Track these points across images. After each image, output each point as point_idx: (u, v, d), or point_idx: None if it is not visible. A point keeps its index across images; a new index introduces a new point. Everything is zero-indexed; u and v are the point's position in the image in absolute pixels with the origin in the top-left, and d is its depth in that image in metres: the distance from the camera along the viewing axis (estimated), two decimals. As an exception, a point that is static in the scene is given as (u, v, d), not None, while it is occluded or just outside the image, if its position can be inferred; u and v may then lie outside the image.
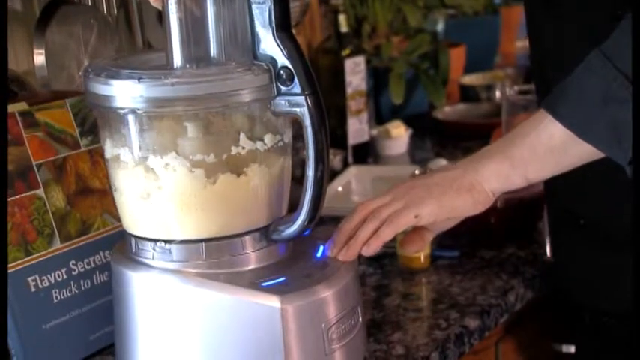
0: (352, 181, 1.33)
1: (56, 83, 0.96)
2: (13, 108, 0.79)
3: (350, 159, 1.39)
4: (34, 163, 0.78)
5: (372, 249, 0.70)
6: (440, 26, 1.86)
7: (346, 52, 1.39)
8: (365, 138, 1.42)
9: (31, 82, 0.94)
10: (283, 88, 0.68)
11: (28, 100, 0.81)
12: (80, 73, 1.01)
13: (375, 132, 1.46)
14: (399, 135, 1.45)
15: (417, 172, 1.16)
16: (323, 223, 0.89)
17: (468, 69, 1.74)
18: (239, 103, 0.68)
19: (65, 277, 0.79)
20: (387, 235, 0.70)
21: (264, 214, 0.71)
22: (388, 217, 0.70)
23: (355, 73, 1.40)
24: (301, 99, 0.68)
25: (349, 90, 1.39)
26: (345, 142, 1.38)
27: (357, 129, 1.41)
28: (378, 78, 1.55)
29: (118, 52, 1.01)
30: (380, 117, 1.57)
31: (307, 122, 0.69)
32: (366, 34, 1.57)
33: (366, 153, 1.42)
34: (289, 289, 0.68)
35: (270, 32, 0.68)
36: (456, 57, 1.69)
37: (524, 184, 0.69)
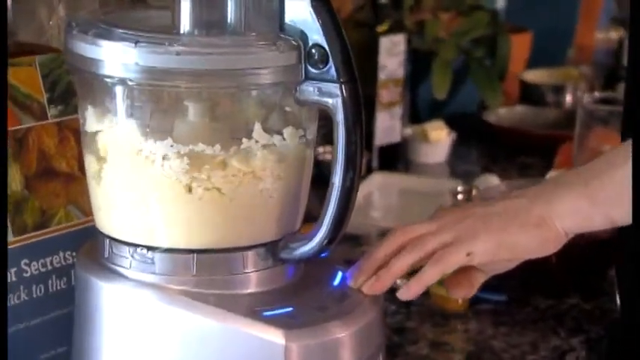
0: (375, 191, 1.36)
1: (22, 33, 0.98)
2: (-31, 61, 0.81)
3: (375, 163, 1.41)
4: (-11, 133, 0.80)
5: (412, 293, 0.72)
6: (501, 3, 1.88)
7: (383, 27, 1.41)
8: (396, 138, 1.45)
9: (-11, 29, 0.95)
10: (313, 72, 0.70)
11: (-13, 53, 0.83)
12: (51, 22, 1.03)
13: (408, 132, 1.49)
14: (438, 139, 1.47)
15: (459, 188, 1.19)
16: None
17: (533, 62, 1.76)
18: (257, 85, 0.71)
19: (14, 279, 0.81)
20: (431, 276, 0.72)
21: (274, 226, 0.73)
22: (434, 251, 0.72)
23: (392, 55, 1.42)
24: (335, 87, 0.70)
25: (382, 76, 1.42)
26: (371, 142, 1.40)
27: (387, 126, 1.43)
28: (418, 64, 1.57)
29: (103, 5, 1.03)
30: (416, 114, 1.59)
31: (339, 117, 0.71)
32: (407, 6, 1.60)
33: (396, 157, 1.45)
34: (297, 323, 0.70)
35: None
36: (519, 45, 1.72)
37: (606, 226, 0.71)
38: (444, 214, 0.75)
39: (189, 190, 0.70)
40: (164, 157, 0.70)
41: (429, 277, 0.72)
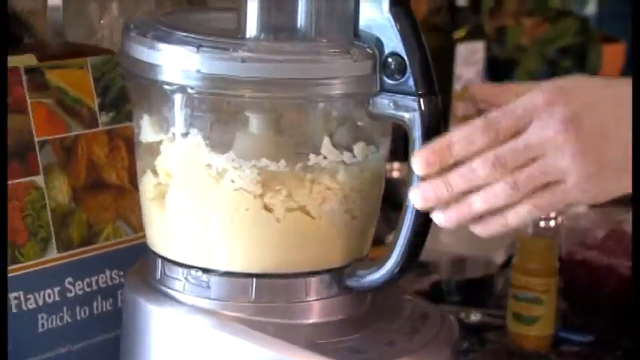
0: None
1: (71, 33, 1.00)
2: (17, 61, 0.83)
3: (447, 183, 1.41)
4: (36, 140, 0.82)
5: (481, 230, 0.68)
6: (592, 9, 1.87)
7: (460, 33, 1.42)
8: (471, 156, 1.44)
9: (37, 27, 0.98)
10: (389, 83, 0.71)
11: (36, 53, 0.85)
12: (102, 21, 1.05)
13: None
14: (518, 157, 1.46)
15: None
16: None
17: (626, 75, 1.74)
18: (327, 97, 0.71)
19: (57, 298, 0.82)
20: (512, 221, 0.67)
21: (341, 250, 0.74)
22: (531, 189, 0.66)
23: (469, 64, 1.43)
24: (413, 101, 0.71)
25: (457, 86, 1.42)
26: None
27: (462, 142, 1.43)
28: (497, 73, 1.57)
29: (159, 4, 1.05)
30: (494, 129, 1.59)
31: (417, 133, 0.71)
32: (487, 9, 1.60)
33: (470, 177, 1.44)
34: (363, 359, 0.70)
35: (382, 3, 0.71)
36: (611, 56, 1.70)
37: None
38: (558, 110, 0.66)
39: (266, 208, 0.71)
40: (222, 173, 0.71)
41: (519, 224, 0.68)
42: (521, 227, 0.68)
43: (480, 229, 0.69)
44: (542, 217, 1.17)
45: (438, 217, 0.69)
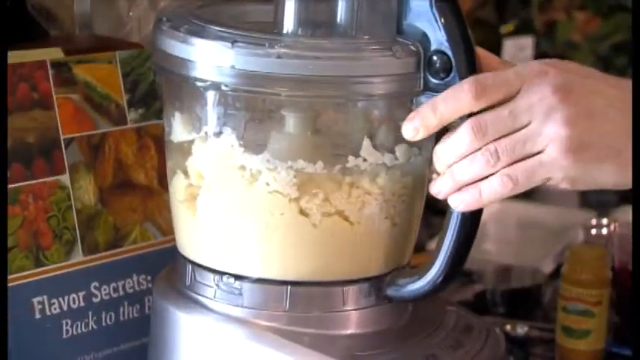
0: (489, 221, 1.35)
1: (98, 25, 1.01)
2: (44, 54, 0.84)
3: (491, 187, 1.41)
4: (62, 137, 0.83)
5: (465, 206, 0.69)
6: (648, 3, 1.85)
7: (508, 27, 1.41)
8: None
9: (64, 19, 0.99)
10: (434, 82, 0.71)
11: (63, 46, 0.85)
12: (131, 13, 1.06)
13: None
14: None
15: (593, 222, 1.18)
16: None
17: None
18: (368, 96, 0.72)
19: (83, 304, 0.83)
20: (495, 196, 0.68)
21: (381, 258, 0.74)
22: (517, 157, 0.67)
23: (517, 61, 1.42)
24: (459, 101, 0.71)
25: (505, 84, 1.41)
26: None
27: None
28: (546, 70, 1.56)
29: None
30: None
31: (462, 136, 0.71)
32: (536, 2, 1.59)
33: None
34: (402, 373, 0.71)
35: (427, -3, 0.71)
36: (669, 54, 1.69)
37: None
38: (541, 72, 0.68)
39: (302, 212, 0.71)
40: (257, 175, 0.71)
41: (492, 196, 0.68)
42: (494, 202, 0.68)
43: (455, 202, 0.70)
44: (594, 222, 1.17)
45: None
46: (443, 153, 0.69)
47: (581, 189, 0.69)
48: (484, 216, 1.34)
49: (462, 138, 0.68)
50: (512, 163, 0.68)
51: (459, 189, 0.69)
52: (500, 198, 0.68)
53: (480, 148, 0.68)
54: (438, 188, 0.70)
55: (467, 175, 0.68)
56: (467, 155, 0.68)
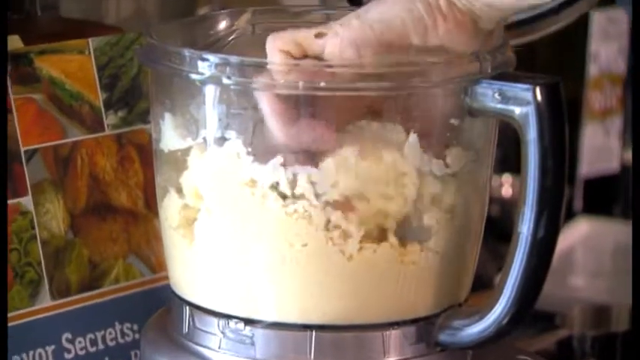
0: (578, 246, 1.36)
1: (67, 4, 1.02)
2: (-4, 44, 0.86)
3: (579, 203, 1.42)
4: (22, 149, 0.85)
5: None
6: None
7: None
8: (612, 166, 1.45)
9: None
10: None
11: (22, 33, 0.87)
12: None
13: (631, 156, 1.49)
14: (679, 167, 1.47)
15: None
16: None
17: None
18: (410, 87, 0.73)
19: (52, 360, 0.85)
20: None
21: (431, 294, 0.76)
22: None
23: (607, 39, 1.43)
24: (526, 90, 0.73)
25: (593, 70, 1.42)
26: (574, 172, 1.42)
27: (600, 147, 1.44)
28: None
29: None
30: (644, 128, 1.59)
31: (531, 134, 0.73)
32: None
33: (611, 195, 1.45)
34: None
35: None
36: None
37: None
38: None
39: (310, 245, 0.73)
40: (270, 191, 0.73)
41: None
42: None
43: None
44: None
45: None
46: None
47: None
48: (571, 241, 1.37)
49: None
50: None
51: None
52: None
53: None
54: None
55: None
56: None
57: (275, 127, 0.73)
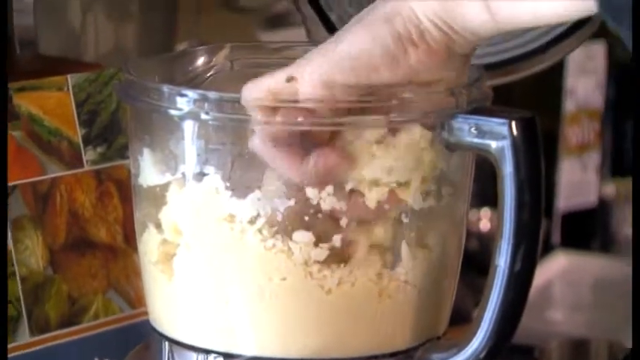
0: (556, 280, 1.37)
1: (46, 42, 1.03)
2: (-24, 82, 0.86)
3: (557, 237, 1.43)
4: (1, 185, 0.86)
5: None
6: None
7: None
8: (589, 200, 1.46)
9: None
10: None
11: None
12: (84, 26, 1.08)
13: (609, 191, 1.49)
14: (656, 201, 1.47)
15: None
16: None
17: None
18: (387, 123, 0.74)
19: (32, 399, 0.85)
20: None
21: (408, 329, 0.77)
22: None
23: (585, 73, 1.44)
24: (502, 125, 0.73)
25: (569, 105, 1.43)
26: (551, 206, 1.42)
27: (577, 181, 1.45)
28: (622, 86, 1.58)
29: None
30: (620, 164, 1.59)
31: (507, 169, 0.74)
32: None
33: (590, 229, 1.45)
34: None
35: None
36: None
37: (488, 22, 0.72)
38: None
39: (289, 280, 0.74)
40: (249, 226, 0.74)
41: None
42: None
43: None
44: None
45: None
46: None
47: None
48: (549, 274, 1.37)
49: None
50: None
51: None
52: None
53: None
54: None
55: None
56: None
57: (286, 169, 0.74)
